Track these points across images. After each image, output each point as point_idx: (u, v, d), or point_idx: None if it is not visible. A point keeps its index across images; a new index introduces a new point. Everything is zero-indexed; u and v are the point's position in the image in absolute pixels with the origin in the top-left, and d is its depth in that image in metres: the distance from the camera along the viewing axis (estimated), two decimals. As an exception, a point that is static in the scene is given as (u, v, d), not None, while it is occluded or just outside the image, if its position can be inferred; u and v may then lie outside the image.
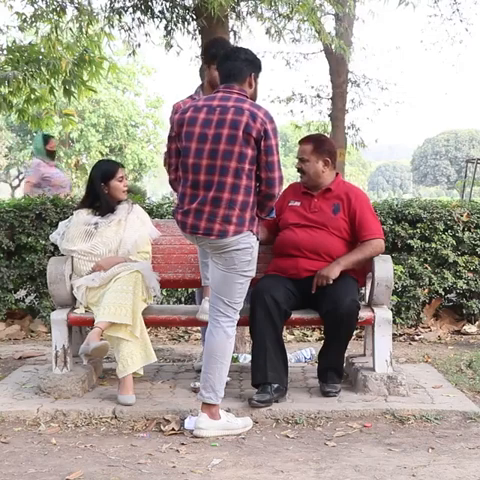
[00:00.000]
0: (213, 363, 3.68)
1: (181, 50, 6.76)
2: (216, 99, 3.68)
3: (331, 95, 13.62)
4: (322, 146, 4.36)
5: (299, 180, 4.52)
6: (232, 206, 3.59)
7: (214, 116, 3.63)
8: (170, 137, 3.81)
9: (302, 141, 4.44)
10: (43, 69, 6.89)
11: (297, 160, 4.43)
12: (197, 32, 6.29)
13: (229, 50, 3.99)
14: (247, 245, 3.64)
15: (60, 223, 4.64)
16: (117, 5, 6.40)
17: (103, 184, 4.46)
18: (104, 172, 4.48)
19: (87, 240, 4.40)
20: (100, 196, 4.47)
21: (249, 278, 3.73)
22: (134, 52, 6.88)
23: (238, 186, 3.58)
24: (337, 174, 4.45)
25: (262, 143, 3.59)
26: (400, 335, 6.09)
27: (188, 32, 6.42)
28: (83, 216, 4.48)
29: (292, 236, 4.30)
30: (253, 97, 3.78)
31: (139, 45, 6.82)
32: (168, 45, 6.52)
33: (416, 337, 6.08)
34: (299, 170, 4.40)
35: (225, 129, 3.59)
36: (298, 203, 4.40)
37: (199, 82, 4.69)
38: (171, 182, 3.91)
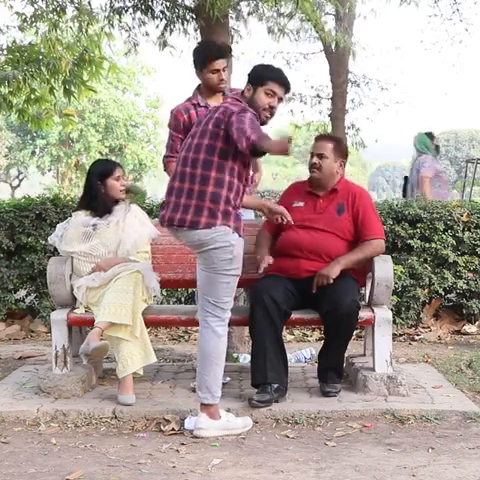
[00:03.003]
0: (207, 364, 3.66)
1: (181, 51, 6.79)
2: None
3: (331, 95, 13.62)
4: (341, 147, 4.37)
5: (299, 180, 4.49)
6: (202, 197, 3.57)
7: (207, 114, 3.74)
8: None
9: (321, 138, 4.40)
10: (43, 69, 6.90)
11: (312, 155, 4.34)
12: (198, 32, 6.29)
13: None
14: (225, 243, 3.59)
15: (58, 225, 4.62)
16: (117, 5, 6.41)
17: (100, 182, 4.44)
18: (101, 170, 4.46)
19: (86, 242, 4.39)
20: (97, 195, 4.45)
21: (235, 277, 3.68)
22: (131, 51, 6.88)
23: (207, 177, 3.57)
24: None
25: (227, 120, 3.52)
26: (400, 335, 6.09)
27: (187, 32, 6.42)
28: (81, 218, 4.46)
29: (294, 236, 4.28)
30: (250, 102, 3.68)
31: (138, 44, 6.83)
32: (163, 44, 6.53)
33: (416, 337, 6.08)
34: (313, 165, 4.32)
35: (203, 126, 3.67)
36: (302, 203, 4.37)
37: (198, 82, 4.67)
38: None
